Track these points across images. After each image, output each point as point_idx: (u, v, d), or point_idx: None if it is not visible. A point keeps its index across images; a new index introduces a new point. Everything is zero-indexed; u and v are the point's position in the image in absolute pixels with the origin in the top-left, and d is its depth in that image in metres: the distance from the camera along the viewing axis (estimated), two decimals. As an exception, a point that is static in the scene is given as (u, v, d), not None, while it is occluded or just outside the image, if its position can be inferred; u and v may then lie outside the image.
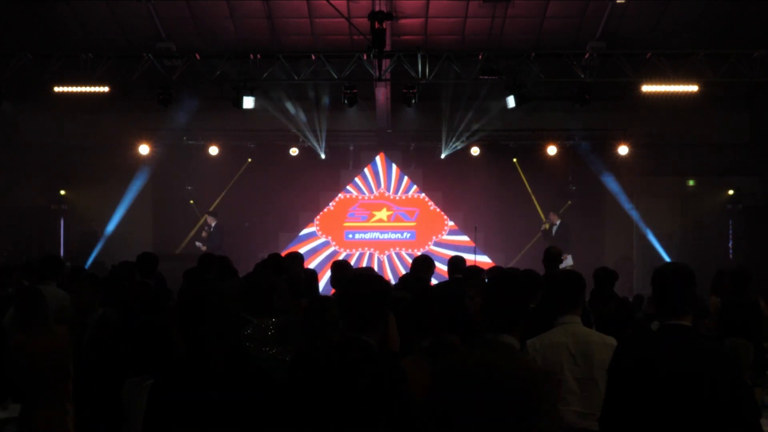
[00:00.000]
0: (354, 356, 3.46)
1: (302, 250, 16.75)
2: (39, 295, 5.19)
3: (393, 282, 8.58)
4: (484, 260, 15.18)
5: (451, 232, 17.54)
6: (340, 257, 16.46)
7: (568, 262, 15.61)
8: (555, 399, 3.43)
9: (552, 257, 7.66)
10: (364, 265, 16.65)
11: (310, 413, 3.55)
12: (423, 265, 7.51)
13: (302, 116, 16.89)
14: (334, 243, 17.55)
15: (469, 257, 14.38)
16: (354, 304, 3.54)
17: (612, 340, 4.42)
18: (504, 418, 3.21)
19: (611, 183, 17.22)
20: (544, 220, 16.63)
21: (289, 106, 16.61)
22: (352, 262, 16.67)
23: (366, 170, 17.79)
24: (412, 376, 4.11)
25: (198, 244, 15.86)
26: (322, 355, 3.66)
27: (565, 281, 4.72)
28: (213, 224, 16.03)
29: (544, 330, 4.59)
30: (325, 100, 16.68)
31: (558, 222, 16.28)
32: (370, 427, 3.36)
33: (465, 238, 17.07)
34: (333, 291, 7.10)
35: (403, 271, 16.70)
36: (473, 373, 3.32)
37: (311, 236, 17.54)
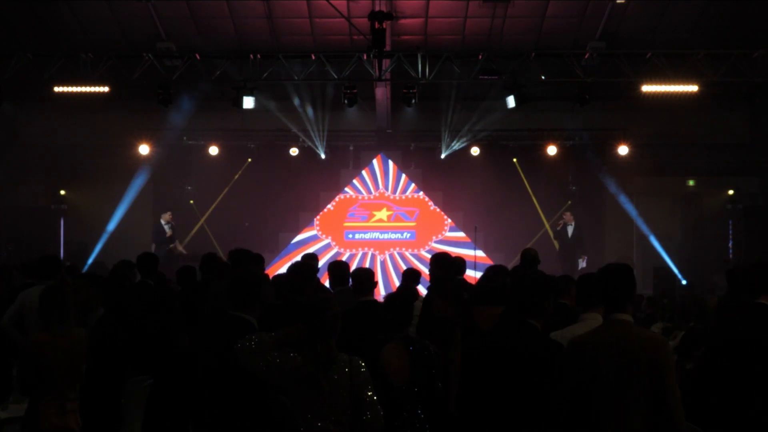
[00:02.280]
0: (525, 335, 4.39)
1: (306, 253, 16.80)
2: (64, 295, 5.20)
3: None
4: (483, 258, 15.19)
5: (451, 230, 17.54)
6: (343, 258, 16.46)
7: (582, 264, 15.64)
8: (672, 360, 4.04)
9: (530, 259, 7.66)
10: (367, 264, 16.65)
11: (484, 383, 4.39)
12: (410, 277, 7.99)
13: (301, 115, 16.88)
14: (335, 245, 17.56)
15: (469, 254, 14.41)
16: (524, 294, 4.48)
17: None
18: (633, 379, 3.88)
19: (611, 183, 17.22)
20: (547, 224, 16.68)
21: (288, 106, 16.61)
22: (353, 263, 16.70)
23: (366, 170, 17.79)
24: (390, 361, 4.73)
25: (172, 246, 15.83)
26: (500, 335, 4.51)
27: (587, 281, 5.23)
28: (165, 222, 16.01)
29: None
30: (325, 102, 16.68)
31: (573, 223, 16.26)
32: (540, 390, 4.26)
33: (464, 234, 17.08)
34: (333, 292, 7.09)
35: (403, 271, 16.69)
36: (601, 346, 4.00)
37: (313, 239, 17.53)
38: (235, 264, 7.00)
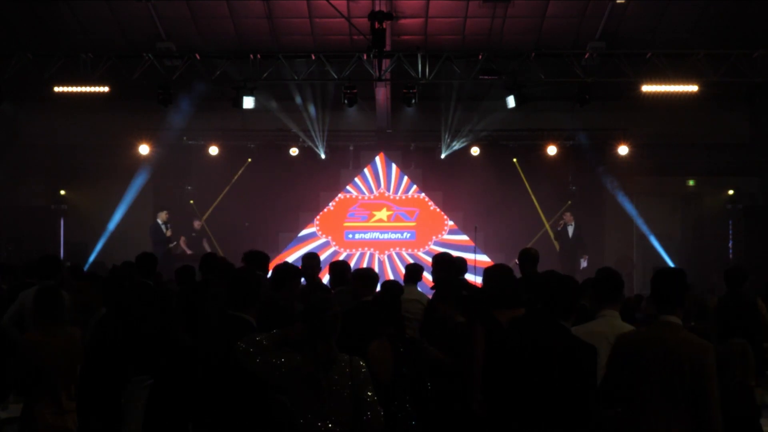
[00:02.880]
0: (556, 335, 4.43)
1: (303, 251, 16.82)
2: (58, 295, 5.20)
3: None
4: (483, 260, 15.18)
5: (451, 232, 17.53)
6: (341, 257, 16.46)
7: (584, 264, 15.64)
8: (715, 367, 4.05)
9: (530, 258, 7.65)
10: (364, 265, 16.65)
11: (516, 384, 4.43)
12: (411, 274, 8.03)
13: (302, 115, 16.88)
14: (334, 243, 17.56)
15: (469, 257, 14.38)
16: (554, 296, 4.54)
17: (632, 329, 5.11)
18: (674, 381, 3.97)
19: (611, 183, 17.22)
20: (547, 224, 16.69)
21: (288, 106, 16.62)
22: (352, 263, 16.70)
23: (366, 170, 17.79)
24: (376, 358, 4.85)
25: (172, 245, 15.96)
26: (533, 336, 4.51)
27: (605, 279, 5.30)
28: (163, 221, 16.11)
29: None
30: (325, 102, 16.68)
31: (573, 223, 16.27)
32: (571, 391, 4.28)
33: (465, 237, 17.04)
34: (333, 292, 7.09)
35: (402, 271, 16.67)
36: (648, 345, 4.12)
37: (311, 236, 17.54)
38: (250, 265, 6.96)
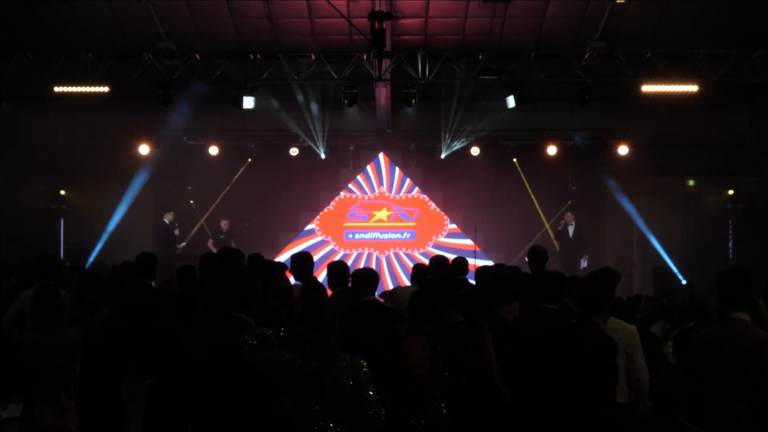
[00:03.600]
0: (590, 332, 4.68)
1: (300, 248, 16.83)
2: (57, 295, 5.20)
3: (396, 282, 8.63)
4: (485, 263, 15.15)
5: (451, 235, 17.49)
6: (338, 256, 16.47)
7: (584, 264, 15.64)
8: None
9: (539, 256, 7.67)
10: (362, 265, 16.63)
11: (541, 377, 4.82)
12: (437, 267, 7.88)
13: (302, 115, 16.87)
14: (332, 242, 17.55)
15: (469, 261, 14.34)
16: (589, 292, 4.82)
17: (632, 327, 5.56)
18: (738, 376, 4.17)
19: (611, 183, 17.22)
20: (547, 224, 16.71)
21: (289, 106, 16.62)
22: (350, 262, 16.71)
23: (369, 168, 17.74)
24: (413, 355, 4.92)
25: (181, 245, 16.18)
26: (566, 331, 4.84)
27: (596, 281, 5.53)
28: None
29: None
30: (325, 102, 16.67)
31: (573, 223, 16.27)
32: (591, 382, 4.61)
33: (465, 241, 16.97)
34: (330, 292, 7.08)
35: (402, 271, 16.70)
36: (716, 341, 4.35)
37: (310, 233, 17.55)
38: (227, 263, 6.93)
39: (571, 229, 16.26)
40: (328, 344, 4.16)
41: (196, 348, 4.99)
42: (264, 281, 5.43)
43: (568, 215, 16.40)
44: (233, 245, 16.26)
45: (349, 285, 6.62)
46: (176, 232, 16.00)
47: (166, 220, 16.05)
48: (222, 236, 16.41)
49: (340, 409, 4.11)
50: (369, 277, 6.40)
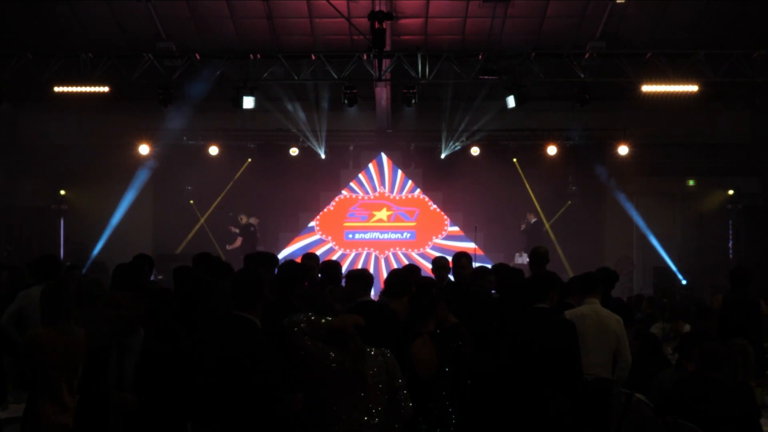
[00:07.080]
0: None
1: (298, 246, 16.86)
2: (66, 293, 5.21)
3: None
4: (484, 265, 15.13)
5: (450, 237, 17.46)
6: (336, 256, 16.49)
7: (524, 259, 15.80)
8: None
9: (540, 257, 7.72)
10: (360, 265, 16.63)
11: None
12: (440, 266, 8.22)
13: (302, 115, 16.88)
14: (332, 241, 17.55)
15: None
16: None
17: (618, 317, 6.39)
18: None
19: (611, 183, 17.22)
20: (547, 224, 16.90)
21: (288, 106, 16.62)
22: (350, 261, 16.75)
23: (371, 166, 17.72)
24: (418, 355, 4.95)
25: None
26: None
27: (586, 276, 6.72)
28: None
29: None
30: (325, 102, 16.67)
31: (534, 220, 16.82)
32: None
33: (466, 244, 16.84)
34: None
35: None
36: None
37: (309, 231, 17.57)
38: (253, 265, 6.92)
39: (537, 225, 16.78)
40: (360, 338, 4.24)
41: (199, 348, 4.97)
42: (289, 283, 5.73)
43: (530, 215, 16.90)
44: (239, 244, 16.36)
45: (342, 284, 6.63)
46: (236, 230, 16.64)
47: (252, 222, 16.55)
48: (252, 229, 16.66)
49: (378, 400, 4.20)
50: (363, 278, 6.41)
